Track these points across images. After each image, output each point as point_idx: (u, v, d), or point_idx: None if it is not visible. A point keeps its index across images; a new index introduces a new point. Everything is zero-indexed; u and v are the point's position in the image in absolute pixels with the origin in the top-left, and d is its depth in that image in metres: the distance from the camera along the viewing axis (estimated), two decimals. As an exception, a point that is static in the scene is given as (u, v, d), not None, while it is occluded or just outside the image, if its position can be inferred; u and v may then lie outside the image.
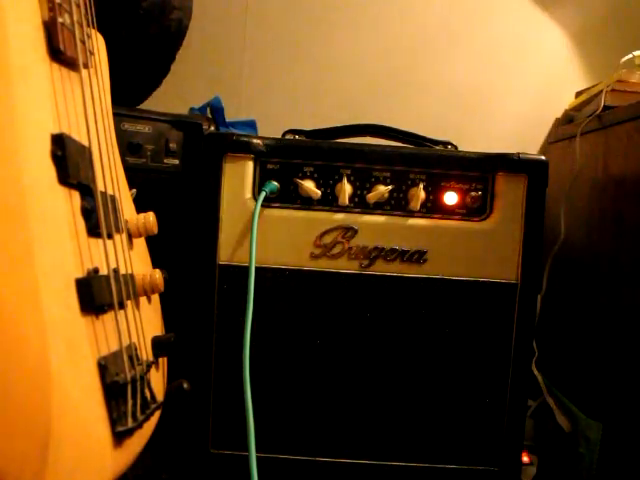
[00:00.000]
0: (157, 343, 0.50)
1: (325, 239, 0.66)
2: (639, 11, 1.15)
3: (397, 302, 0.66)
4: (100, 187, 0.42)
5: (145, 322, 0.48)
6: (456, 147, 0.81)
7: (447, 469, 0.67)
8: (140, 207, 0.55)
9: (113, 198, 0.46)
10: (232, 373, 0.65)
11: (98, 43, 0.51)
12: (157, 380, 0.49)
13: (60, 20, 0.38)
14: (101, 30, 0.52)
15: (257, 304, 0.60)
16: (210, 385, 0.66)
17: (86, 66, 0.44)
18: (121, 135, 0.73)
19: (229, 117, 0.99)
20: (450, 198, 0.67)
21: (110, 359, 0.38)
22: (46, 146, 0.36)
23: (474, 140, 1.11)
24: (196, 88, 1.10)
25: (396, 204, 0.67)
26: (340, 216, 0.67)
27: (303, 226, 0.66)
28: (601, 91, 0.92)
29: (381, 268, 0.66)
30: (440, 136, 0.82)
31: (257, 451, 0.47)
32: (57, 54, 0.39)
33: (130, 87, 0.87)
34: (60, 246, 0.35)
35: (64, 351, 0.32)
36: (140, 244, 0.54)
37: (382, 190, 0.66)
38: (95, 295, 0.37)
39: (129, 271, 0.46)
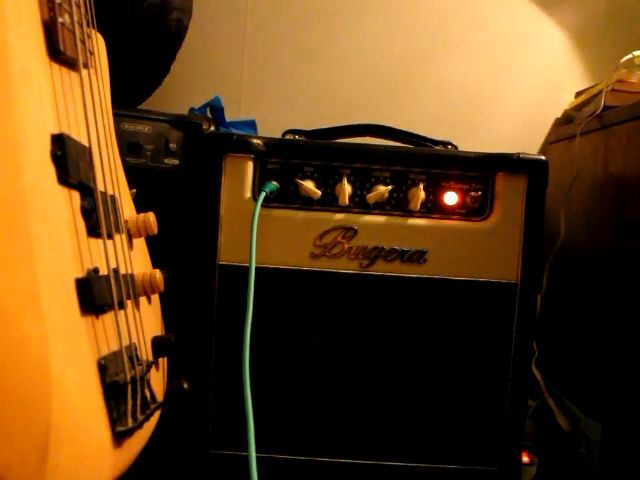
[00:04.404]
0: (157, 343, 0.50)
1: (325, 239, 0.66)
2: (639, 11, 1.15)
3: (397, 302, 0.66)
4: (100, 187, 0.42)
5: (145, 322, 0.48)
6: (456, 147, 0.81)
7: (447, 469, 0.67)
8: (140, 207, 0.55)
9: (113, 198, 0.46)
10: (232, 373, 0.65)
11: (98, 43, 0.51)
12: (157, 380, 0.49)
13: (60, 20, 0.38)
14: (101, 30, 0.52)
15: (257, 304, 0.60)
16: (210, 385, 0.66)
17: (86, 66, 0.44)
18: (121, 135, 0.73)
19: (229, 117, 0.99)
20: (450, 198, 0.67)
21: (110, 359, 0.38)
22: (46, 146, 0.36)
23: (474, 140, 1.11)
24: (196, 88, 1.10)
25: (396, 204, 0.67)
26: (340, 216, 0.67)
27: (303, 226, 0.66)
28: (601, 91, 0.92)
29: (381, 268, 0.66)
30: (440, 136, 0.82)
31: (257, 451, 0.47)
32: (57, 54, 0.39)
33: (130, 87, 0.87)
34: (60, 246, 0.35)
35: (64, 351, 0.32)
36: (140, 244, 0.54)
37: (382, 190, 0.66)
38: (95, 295, 0.37)
39: (129, 271, 0.46)
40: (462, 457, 0.67)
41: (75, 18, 0.41)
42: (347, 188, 0.66)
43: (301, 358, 0.67)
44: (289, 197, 0.67)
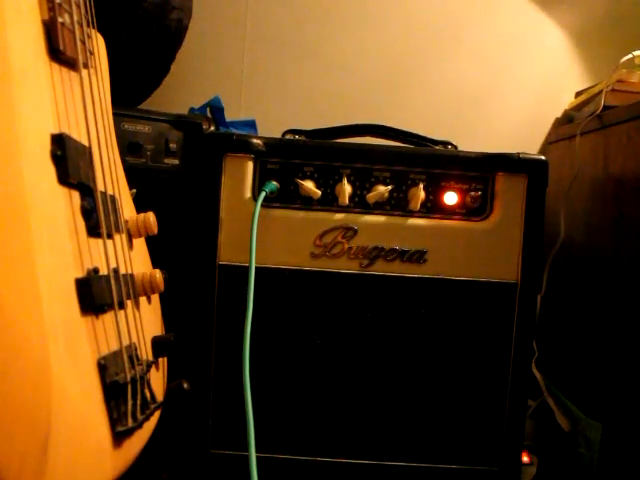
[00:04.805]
0: (157, 343, 0.50)
1: (325, 239, 0.66)
2: (639, 11, 1.15)
3: (397, 302, 0.66)
4: (100, 187, 0.42)
5: (145, 322, 0.48)
6: (456, 147, 0.81)
7: (447, 469, 0.67)
8: (140, 207, 0.55)
9: (113, 198, 0.46)
10: (232, 373, 0.65)
11: (98, 43, 0.51)
12: (157, 380, 0.49)
13: (60, 20, 0.38)
14: (101, 30, 0.52)
15: (257, 304, 0.60)
16: (210, 385, 0.66)
17: (86, 66, 0.44)
18: (121, 135, 0.73)
19: (229, 117, 0.99)
20: (450, 198, 0.67)
21: (110, 359, 0.38)
22: (46, 146, 0.36)
23: (474, 140, 1.11)
24: (196, 88, 1.10)
25: (396, 204, 0.67)
26: (340, 216, 0.67)
27: (303, 226, 0.66)
28: (601, 91, 0.92)
29: (381, 268, 0.66)
30: (440, 136, 0.82)
31: (257, 451, 0.47)
32: (57, 54, 0.39)
33: (130, 87, 0.87)
34: (60, 246, 0.35)
35: (64, 351, 0.32)
36: (140, 244, 0.54)
37: (382, 190, 0.66)
38: (95, 295, 0.37)
39: (129, 271, 0.46)
40: (462, 457, 0.67)
41: (75, 18, 0.41)
42: (347, 188, 0.66)
43: (301, 358, 0.67)
44: (289, 197, 0.67)
